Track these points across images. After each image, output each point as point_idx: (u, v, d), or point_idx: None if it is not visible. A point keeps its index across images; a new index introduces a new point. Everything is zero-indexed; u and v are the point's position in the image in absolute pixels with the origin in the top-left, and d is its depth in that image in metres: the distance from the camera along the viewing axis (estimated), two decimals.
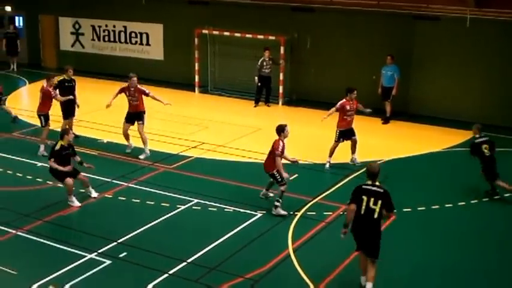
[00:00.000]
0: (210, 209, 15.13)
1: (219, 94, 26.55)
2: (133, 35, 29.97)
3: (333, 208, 15.16)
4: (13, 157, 18.74)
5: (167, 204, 15.25)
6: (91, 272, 12.09)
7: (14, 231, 13.87)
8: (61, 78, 20.07)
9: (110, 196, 15.89)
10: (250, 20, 26.18)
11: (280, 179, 14.75)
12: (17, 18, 33.79)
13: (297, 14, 25.50)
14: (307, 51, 25.64)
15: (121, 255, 12.73)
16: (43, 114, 18.97)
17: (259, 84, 25.03)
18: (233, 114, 21.78)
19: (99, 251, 12.86)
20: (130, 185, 16.60)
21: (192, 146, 19.79)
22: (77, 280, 11.76)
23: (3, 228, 14.02)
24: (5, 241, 13.53)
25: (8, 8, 33.70)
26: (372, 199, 10.97)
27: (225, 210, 15.06)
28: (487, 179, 16.16)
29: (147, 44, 29.67)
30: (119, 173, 17.38)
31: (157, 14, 28.95)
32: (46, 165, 17.79)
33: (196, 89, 27.48)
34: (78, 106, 20.07)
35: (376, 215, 10.95)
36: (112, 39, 30.63)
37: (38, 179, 16.98)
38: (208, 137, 20.53)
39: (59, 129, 18.00)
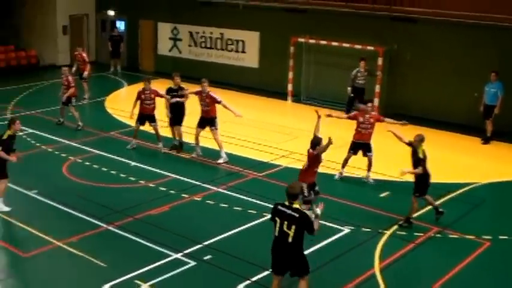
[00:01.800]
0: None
1: (311, 104, 26.59)
2: (229, 42, 30.35)
3: (424, 229, 14.74)
4: (109, 155, 19.39)
5: (254, 212, 15.38)
6: (175, 272, 12.36)
7: (105, 226, 14.37)
8: (169, 86, 20.14)
9: (199, 199, 16.18)
10: (348, 29, 25.84)
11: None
12: (119, 22, 34.85)
13: (397, 24, 25.00)
14: (406, 63, 25.05)
15: (205, 258, 12.94)
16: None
17: (352, 95, 24.45)
18: (324, 125, 21.62)
19: (185, 252, 13.12)
20: (219, 189, 16.86)
21: (282, 155, 19.89)
22: (161, 278, 12.06)
23: (96, 222, 14.56)
24: (96, 234, 14.04)
25: (111, 13, 34.78)
26: (286, 222, 10.08)
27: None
28: None
29: (243, 51, 29.98)
30: (208, 177, 17.68)
31: (254, 22, 29.20)
32: (139, 164, 18.41)
33: (289, 98, 27.56)
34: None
35: (290, 239, 10.07)
36: (208, 45, 31.12)
37: (130, 178, 17.51)
38: (298, 147, 20.51)
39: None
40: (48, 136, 21.09)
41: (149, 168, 18.38)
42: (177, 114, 19.71)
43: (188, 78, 29.76)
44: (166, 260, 12.84)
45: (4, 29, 36.03)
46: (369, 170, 17.75)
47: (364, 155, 17.69)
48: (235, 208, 15.60)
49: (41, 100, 26.23)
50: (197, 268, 12.60)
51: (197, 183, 17.23)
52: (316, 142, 14.36)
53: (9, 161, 14.93)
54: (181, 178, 17.53)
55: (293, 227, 9.96)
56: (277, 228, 10.18)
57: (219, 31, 30.54)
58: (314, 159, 14.31)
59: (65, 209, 15.26)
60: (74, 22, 34.98)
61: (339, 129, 18.07)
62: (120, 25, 34.74)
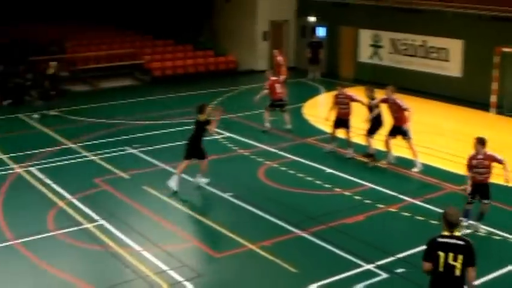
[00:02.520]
0: (493, 237, 14.41)
1: None
2: (432, 50, 29.62)
3: None
4: (305, 161, 19.52)
5: None
6: (366, 283, 12.17)
7: (298, 232, 14.44)
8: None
9: (394, 210, 15.85)
10: None
11: None
12: (319, 29, 35.08)
13: None
14: None
15: (398, 271, 12.62)
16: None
17: None
18: None
19: (377, 263, 12.87)
20: (415, 201, 16.42)
21: None
22: None
23: (289, 227, 14.68)
24: (289, 240, 14.13)
25: (312, 19, 35.11)
26: (451, 254, 8.98)
27: (508, 240, 14.26)
28: None
29: (446, 60, 29.15)
30: (404, 188, 17.32)
31: (458, 30, 28.27)
32: (335, 171, 18.38)
33: (492, 109, 26.45)
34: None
35: (458, 272, 8.97)
36: (410, 53, 30.56)
37: (326, 185, 17.50)
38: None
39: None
40: (245, 140, 21.60)
41: (345, 175, 18.28)
42: (372, 124, 19.46)
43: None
44: (358, 270, 12.67)
45: (204, 34, 37.63)
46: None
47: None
48: (431, 222, 15.10)
49: (238, 104, 26.98)
50: (389, 281, 12.33)
51: (393, 193, 16.91)
52: None
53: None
54: (377, 188, 17.27)
55: (460, 257, 8.95)
56: (440, 264, 9.04)
57: (422, 38, 29.88)
58: None
59: (259, 212, 15.53)
60: (274, 28, 35.72)
61: None
62: (321, 31, 34.94)
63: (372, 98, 19.30)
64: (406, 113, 18.60)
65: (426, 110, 26.33)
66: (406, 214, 15.62)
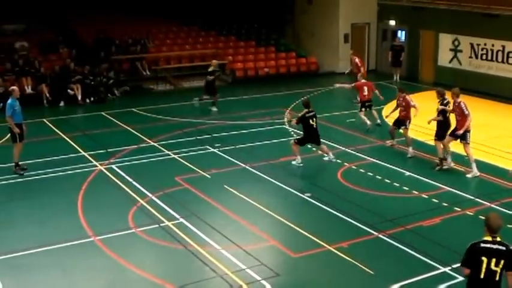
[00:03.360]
0: None
1: None
2: (511, 55, 29.30)
3: None
4: (383, 163, 19.71)
5: None
6: (442, 286, 12.34)
7: (376, 234, 14.62)
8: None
9: (471, 214, 15.90)
10: None
11: None
12: (400, 32, 35.05)
13: None
14: None
15: None
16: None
17: None
18: None
19: (453, 266, 12.91)
20: (493, 205, 16.37)
21: None
22: None
23: (367, 228, 14.88)
24: (367, 241, 14.33)
25: (392, 22, 35.10)
26: (494, 260, 9.00)
27: None
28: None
29: None
30: (482, 191, 17.29)
31: None
32: (413, 174, 18.48)
33: None
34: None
35: (497, 277, 9.02)
36: (489, 58, 30.24)
37: (404, 187, 17.64)
38: None
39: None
40: (325, 141, 21.73)
41: (423, 178, 18.37)
42: (440, 128, 19.29)
43: (467, 90, 29.25)
44: (434, 272, 12.80)
45: (286, 36, 37.98)
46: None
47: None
48: (508, 226, 15.09)
49: (320, 105, 27.06)
50: (465, 284, 12.40)
51: (470, 197, 16.93)
52: None
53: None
54: (454, 191, 17.32)
55: (502, 262, 9.04)
56: (483, 269, 9.07)
57: (501, 43, 29.56)
58: None
59: (337, 213, 15.75)
60: (356, 30, 35.86)
61: None
62: (401, 35, 34.91)
63: (443, 100, 19.23)
64: (467, 118, 18.37)
65: (505, 115, 26.08)
66: (482, 218, 15.57)
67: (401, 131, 20.80)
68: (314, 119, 19.31)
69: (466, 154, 18.77)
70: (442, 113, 19.03)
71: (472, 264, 9.16)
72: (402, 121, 20.74)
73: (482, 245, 9.15)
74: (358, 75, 24.77)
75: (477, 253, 9.15)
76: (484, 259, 9.05)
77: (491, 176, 18.52)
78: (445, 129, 19.08)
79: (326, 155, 19.79)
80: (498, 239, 9.18)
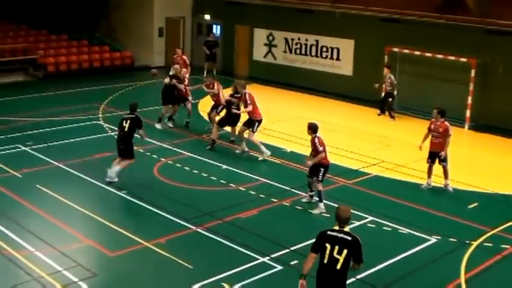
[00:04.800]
0: (384, 228, 15.02)
1: (404, 113, 26.19)
2: (324, 49, 30.31)
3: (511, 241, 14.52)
4: (200, 158, 19.64)
5: None
6: (261, 276, 12.43)
7: (194, 228, 14.55)
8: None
9: (288, 204, 16.20)
10: (441, 40, 25.68)
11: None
12: (215, 26, 35.31)
13: (491, 36, 24.69)
14: (499, 75, 24.67)
15: (292, 263, 12.93)
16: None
17: None
18: (416, 135, 21.36)
19: (272, 256, 13.16)
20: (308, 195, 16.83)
21: (373, 163, 19.71)
22: (247, 281, 12.15)
23: (184, 223, 14.76)
24: (184, 236, 14.22)
25: (207, 17, 35.28)
26: (337, 247, 9.43)
27: (399, 231, 14.86)
28: None
29: (337, 59, 29.89)
30: (298, 183, 17.61)
31: (349, 30, 29.09)
32: (230, 168, 18.57)
33: None
34: None
35: (339, 266, 9.41)
36: (303, 52, 31.15)
37: (221, 181, 17.70)
38: (389, 156, 20.37)
39: None
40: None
41: (240, 171, 18.54)
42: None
43: (282, 84, 30.06)
44: (253, 263, 12.92)
45: (100, 29, 37.15)
46: (445, 178, 17.56)
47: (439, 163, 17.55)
48: (324, 215, 15.54)
49: (134, 100, 26.62)
50: (283, 273, 12.63)
51: (287, 188, 17.27)
52: None
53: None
54: (272, 183, 17.60)
55: (344, 251, 9.39)
56: (326, 255, 9.43)
57: (314, 38, 30.53)
58: None
59: (154, 209, 15.52)
60: (171, 24, 35.68)
61: None
62: (216, 29, 35.17)
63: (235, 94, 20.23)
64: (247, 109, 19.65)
65: (319, 107, 26.94)
66: (299, 208, 15.99)
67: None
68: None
69: (252, 141, 19.69)
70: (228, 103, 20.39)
71: (318, 249, 9.55)
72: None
73: (329, 232, 9.53)
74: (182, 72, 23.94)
75: (323, 240, 9.53)
76: (328, 246, 9.42)
77: (306, 168, 18.99)
78: (230, 119, 20.48)
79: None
80: (346, 229, 9.51)
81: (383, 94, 25.92)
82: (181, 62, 26.43)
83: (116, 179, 17.07)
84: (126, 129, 17.13)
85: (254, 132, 19.72)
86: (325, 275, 9.56)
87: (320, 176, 15.69)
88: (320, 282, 9.68)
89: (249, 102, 19.43)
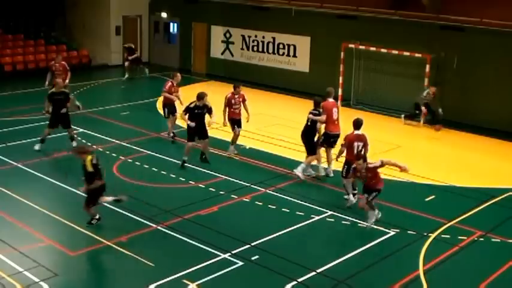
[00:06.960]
0: (343, 222, 15.25)
1: (360, 109, 26.48)
2: (281, 46, 30.52)
3: (469, 233, 14.80)
4: (159, 155, 19.67)
5: (302, 213, 15.50)
6: (223, 272, 12.52)
7: (154, 226, 14.59)
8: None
9: (248, 200, 16.34)
10: (396, 36, 26.10)
11: None
12: (172, 24, 35.30)
13: (445, 32, 25.19)
14: (453, 70, 25.14)
15: (253, 258, 13.08)
16: None
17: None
18: (377, 130, 21.58)
19: (233, 252, 13.28)
20: (267, 191, 16.99)
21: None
22: (209, 278, 12.23)
23: (145, 221, 14.79)
24: (145, 234, 14.24)
25: (164, 15, 35.22)
26: None
27: (358, 225, 15.10)
28: None
29: (294, 55, 30.12)
30: (258, 178, 17.81)
31: (305, 27, 29.35)
32: (190, 165, 18.63)
33: (339, 102, 27.53)
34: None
35: None
36: (260, 49, 31.33)
37: (181, 178, 17.75)
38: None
39: None
40: (99, 136, 21.48)
41: (199, 169, 18.60)
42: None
43: (240, 81, 30.06)
44: (214, 259, 13.00)
45: (57, 28, 36.80)
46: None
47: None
48: (283, 209, 15.72)
49: (93, 99, 26.66)
50: (245, 268, 12.75)
51: (246, 184, 17.40)
52: None
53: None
54: (231, 179, 17.72)
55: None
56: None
57: (271, 35, 30.73)
58: None
59: (114, 208, 15.42)
60: (128, 23, 35.54)
61: None
62: (173, 27, 35.19)
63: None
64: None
65: (277, 104, 27.13)
66: (259, 203, 16.14)
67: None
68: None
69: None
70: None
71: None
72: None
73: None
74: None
75: None
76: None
77: (265, 163, 19.19)
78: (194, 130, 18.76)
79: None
80: None
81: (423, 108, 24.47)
82: (62, 68, 25.68)
83: None
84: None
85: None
86: None
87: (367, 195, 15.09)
88: None
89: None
